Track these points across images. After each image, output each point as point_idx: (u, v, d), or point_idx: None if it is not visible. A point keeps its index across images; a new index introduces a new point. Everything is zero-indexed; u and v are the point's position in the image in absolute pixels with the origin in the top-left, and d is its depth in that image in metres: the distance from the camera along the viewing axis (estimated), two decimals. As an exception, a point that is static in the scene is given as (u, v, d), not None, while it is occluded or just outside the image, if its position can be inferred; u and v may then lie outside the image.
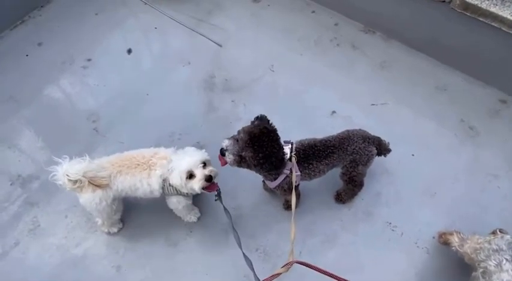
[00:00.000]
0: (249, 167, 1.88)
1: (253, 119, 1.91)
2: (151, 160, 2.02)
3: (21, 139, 2.70)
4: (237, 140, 1.82)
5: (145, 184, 2.03)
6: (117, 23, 3.29)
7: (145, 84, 2.94)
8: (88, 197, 1.98)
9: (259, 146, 1.77)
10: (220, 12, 3.35)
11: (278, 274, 1.74)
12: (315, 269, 1.73)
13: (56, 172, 1.89)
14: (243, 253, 1.93)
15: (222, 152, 1.86)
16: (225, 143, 1.85)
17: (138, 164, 2.01)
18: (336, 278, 1.69)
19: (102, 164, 2.00)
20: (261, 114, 1.91)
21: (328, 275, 1.70)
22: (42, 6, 3.36)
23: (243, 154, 1.80)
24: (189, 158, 1.95)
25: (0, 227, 2.37)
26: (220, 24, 3.26)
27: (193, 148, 2.05)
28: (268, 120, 1.88)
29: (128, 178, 2.00)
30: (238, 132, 1.85)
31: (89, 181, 1.92)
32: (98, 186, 1.96)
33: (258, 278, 1.77)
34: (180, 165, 1.94)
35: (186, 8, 3.35)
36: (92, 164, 1.94)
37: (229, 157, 1.84)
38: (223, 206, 2.09)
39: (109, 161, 2.03)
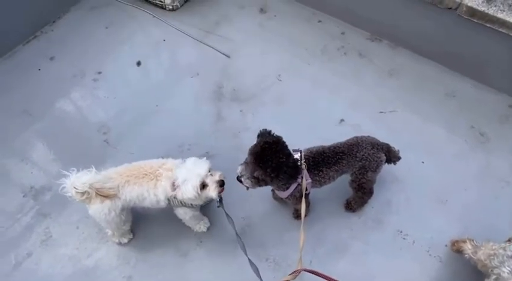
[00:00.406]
0: (267, 183, 1.89)
1: (258, 135, 1.91)
2: (158, 170, 2.04)
3: (34, 152, 2.74)
4: (247, 163, 1.84)
5: (152, 194, 2.04)
6: (126, 36, 3.35)
7: (154, 96, 2.98)
8: (97, 208, 2.00)
9: (265, 161, 1.77)
10: (228, 23, 3.40)
11: None
12: (323, 277, 1.71)
13: (65, 184, 1.92)
14: (249, 259, 1.92)
15: (239, 179, 1.88)
16: (239, 169, 1.87)
17: (146, 174, 2.03)
18: None
19: (109, 175, 2.02)
20: (261, 130, 1.91)
21: None
22: (54, 22, 3.44)
23: (255, 174, 1.81)
24: (197, 171, 1.95)
25: (13, 238, 2.40)
26: (228, 36, 3.31)
27: (194, 158, 2.04)
28: (269, 132, 1.88)
29: (135, 187, 2.02)
30: (248, 157, 1.86)
31: (96, 192, 1.94)
32: (106, 197, 1.97)
33: None
34: (191, 178, 1.93)
35: (193, 20, 3.41)
36: (98, 175, 1.96)
37: (246, 182, 1.86)
38: (226, 213, 2.07)
39: (117, 172, 2.05)
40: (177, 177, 1.95)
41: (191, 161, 2.01)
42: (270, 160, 1.77)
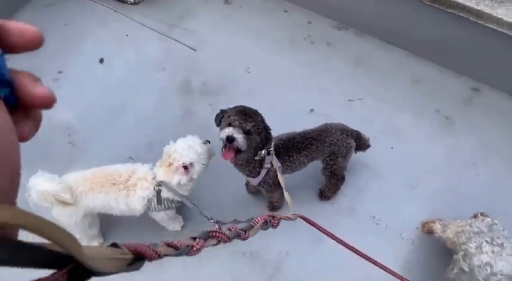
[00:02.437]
0: (251, 144, 1.83)
1: (218, 116, 1.94)
2: (129, 179, 1.95)
3: (-6, 158, 2.61)
4: (230, 124, 1.79)
5: (123, 204, 1.96)
6: (87, 33, 3.22)
7: (120, 94, 2.89)
8: (58, 211, 1.91)
9: (254, 114, 1.83)
10: (192, 16, 3.32)
11: (288, 218, 1.64)
12: (316, 228, 1.64)
13: (29, 193, 1.82)
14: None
15: (231, 138, 1.76)
16: (226, 131, 1.77)
17: (114, 183, 1.93)
18: (345, 245, 1.60)
19: (73, 181, 1.93)
20: (220, 110, 1.94)
21: (333, 238, 1.61)
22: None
23: (248, 126, 1.77)
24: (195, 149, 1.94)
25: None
26: (193, 28, 3.23)
27: (188, 140, 1.98)
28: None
29: (100, 196, 1.93)
30: (227, 123, 1.81)
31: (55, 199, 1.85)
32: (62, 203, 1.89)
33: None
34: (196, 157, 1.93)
35: (157, 14, 3.31)
36: (60, 184, 1.86)
37: (239, 138, 1.75)
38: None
39: (83, 178, 1.95)
40: (177, 159, 1.90)
41: (188, 141, 1.96)
42: (253, 113, 1.84)
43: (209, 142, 2.04)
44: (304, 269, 2.22)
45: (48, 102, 0.40)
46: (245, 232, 1.11)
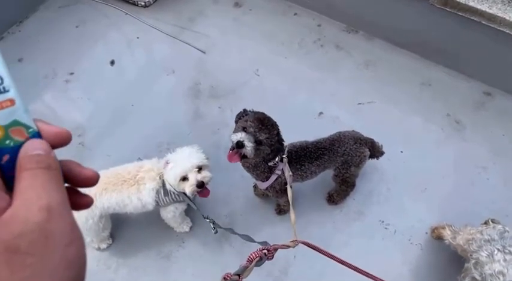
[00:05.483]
0: (260, 154, 1.82)
1: (240, 115, 1.91)
2: (138, 174, 1.99)
3: (6, 158, 2.64)
4: (245, 129, 1.78)
5: (135, 199, 1.98)
6: (98, 35, 3.25)
7: (130, 95, 2.91)
8: (74, 215, 1.93)
9: (271, 126, 1.81)
10: (203, 19, 3.34)
11: (287, 246, 1.64)
12: (319, 251, 1.64)
13: None
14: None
15: (241, 144, 1.74)
16: (238, 136, 1.75)
17: (125, 181, 1.97)
18: (346, 265, 1.59)
19: None
20: (244, 109, 1.93)
21: (337, 260, 1.60)
22: (20, 22, 3.31)
23: (261, 137, 1.76)
24: (185, 162, 1.92)
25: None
26: (203, 31, 3.25)
27: (190, 148, 2.00)
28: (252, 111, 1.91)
29: (114, 195, 1.96)
30: (242, 126, 1.80)
31: None
32: None
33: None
34: (176, 168, 1.91)
35: (167, 17, 3.33)
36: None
37: (248, 146, 1.74)
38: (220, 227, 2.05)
39: None
40: (171, 160, 1.95)
41: (188, 150, 1.99)
42: (273, 126, 1.83)
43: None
44: (312, 272, 2.21)
45: (96, 180, 0.47)
46: (239, 277, 1.12)
